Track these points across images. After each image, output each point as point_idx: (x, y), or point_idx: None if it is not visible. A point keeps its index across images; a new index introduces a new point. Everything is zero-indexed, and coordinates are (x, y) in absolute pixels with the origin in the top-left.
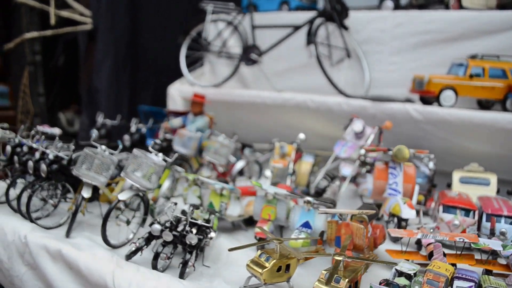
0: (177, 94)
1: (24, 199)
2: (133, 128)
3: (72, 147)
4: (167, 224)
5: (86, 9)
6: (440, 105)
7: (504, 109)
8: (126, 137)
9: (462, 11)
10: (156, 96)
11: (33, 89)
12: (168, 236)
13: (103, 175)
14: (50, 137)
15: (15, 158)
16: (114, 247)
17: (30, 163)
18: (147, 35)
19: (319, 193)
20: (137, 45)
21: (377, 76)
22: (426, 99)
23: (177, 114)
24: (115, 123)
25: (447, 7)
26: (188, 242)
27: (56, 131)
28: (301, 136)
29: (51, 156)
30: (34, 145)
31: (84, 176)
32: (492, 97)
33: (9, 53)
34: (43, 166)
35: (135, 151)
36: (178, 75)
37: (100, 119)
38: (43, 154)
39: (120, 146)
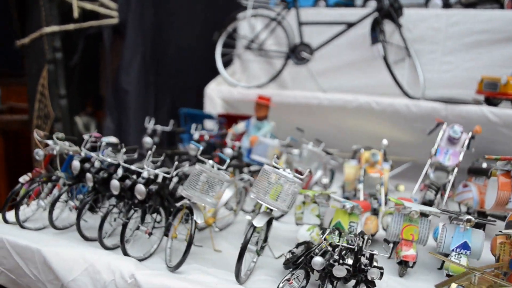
0: (216, 95)
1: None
2: (195, 136)
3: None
4: (331, 256)
5: (111, 1)
6: None
7: None
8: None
9: None
10: (184, 98)
11: (53, 90)
12: (340, 272)
13: (210, 195)
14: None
15: (89, 176)
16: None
17: (115, 183)
18: (175, 32)
19: (426, 205)
20: (165, 43)
21: (430, 77)
22: (491, 101)
23: (228, 117)
24: (167, 129)
25: (502, 6)
26: (370, 278)
27: (113, 140)
28: (385, 142)
29: (145, 174)
30: (109, 159)
31: (194, 198)
32: None
33: (23, 49)
34: (141, 188)
35: (266, 166)
36: (209, 76)
37: (150, 124)
38: (125, 170)
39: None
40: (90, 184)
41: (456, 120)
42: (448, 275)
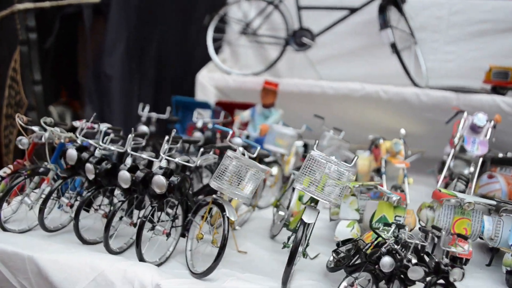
0: (208, 82)
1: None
2: (199, 124)
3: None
4: (398, 255)
5: None
6: None
7: None
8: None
9: None
10: (173, 85)
11: (27, 75)
12: (417, 273)
13: (239, 187)
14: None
15: (89, 167)
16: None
17: (125, 175)
18: (163, 14)
19: None
20: (151, 25)
21: (432, 66)
22: (498, 91)
23: (226, 106)
24: (163, 117)
25: None
26: (452, 279)
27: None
28: (403, 131)
29: (163, 164)
30: (113, 147)
31: (226, 191)
32: None
33: None
34: (161, 180)
35: (315, 154)
36: (199, 62)
37: (145, 111)
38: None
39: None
40: (90, 176)
41: (467, 109)
42: (509, 272)
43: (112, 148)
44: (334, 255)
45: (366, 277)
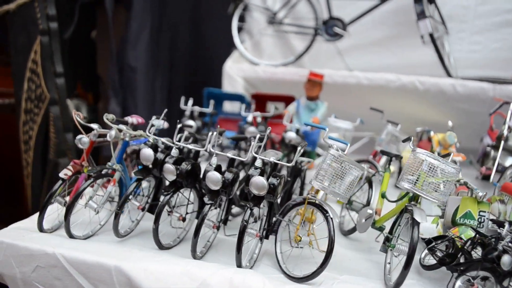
0: (236, 73)
1: None
2: (249, 118)
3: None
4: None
5: None
6: None
7: None
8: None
9: None
10: (200, 76)
11: (48, 67)
12: None
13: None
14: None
15: (170, 168)
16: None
17: (216, 176)
18: (185, 4)
19: None
20: (177, 14)
21: (458, 56)
22: None
23: (262, 98)
24: (207, 111)
25: None
26: None
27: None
28: (450, 123)
29: (258, 163)
30: (190, 146)
31: (328, 191)
32: None
33: (7, 18)
34: (262, 181)
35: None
36: (227, 52)
37: (188, 105)
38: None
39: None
40: (170, 177)
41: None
42: None
43: (190, 146)
44: (429, 252)
45: (480, 276)
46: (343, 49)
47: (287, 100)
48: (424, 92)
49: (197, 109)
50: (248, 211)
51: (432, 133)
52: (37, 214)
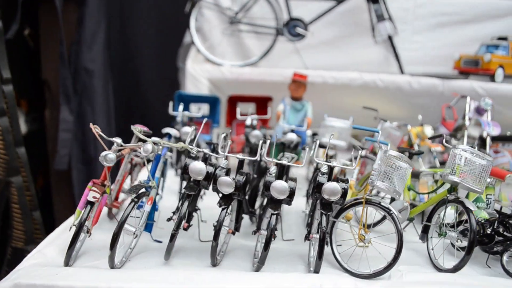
0: (201, 74)
1: None
2: (248, 121)
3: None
4: None
5: None
6: (493, 81)
7: None
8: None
9: None
10: (153, 79)
11: None
12: None
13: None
14: None
15: (228, 180)
16: None
17: (283, 185)
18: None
19: None
20: (129, 12)
21: (401, 54)
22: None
23: (240, 99)
24: (197, 115)
25: None
26: None
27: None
28: (420, 117)
29: (324, 169)
30: (242, 157)
31: (390, 191)
32: None
33: None
34: (337, 187)
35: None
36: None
37: (180, 111)
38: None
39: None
40: (227, 190)
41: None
42: None
43: (239, 157)
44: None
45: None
46: (295, 49)
47: (264, 101)
48: (384, 89)
49: (187, 113)
50: (274, 217)
51: (409, 127)
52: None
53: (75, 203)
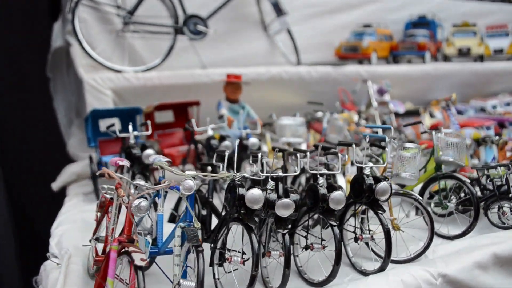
0: (102, 85)
1: None
2: (210, 131)
3: None
4: None
5: None
6: (370, 63)
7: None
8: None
9: None
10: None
11: None
12: None
13: None
14: None
15: (289, 202)
16: None
17: (341, 196)
18: None
19: None
20: None
21: (283, 45)
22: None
23: (167, 107)
24: (146, 133)
25: None
26: None
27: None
28: (337, 104)
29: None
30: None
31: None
32: (385, 55)
33: None
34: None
35: None
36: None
37: (130, 131)
38: None
39: None
40: (287, 213)
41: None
42: None
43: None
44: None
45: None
46: (185, 46)
47: (190, 106)
48: (289, 80)
49: (135, 134)
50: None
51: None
52: None
53: None
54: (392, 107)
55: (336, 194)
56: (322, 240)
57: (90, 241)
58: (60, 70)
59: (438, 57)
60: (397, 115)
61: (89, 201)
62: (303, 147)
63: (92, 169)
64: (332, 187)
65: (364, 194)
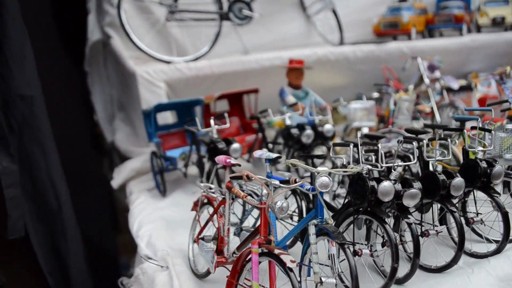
0: (156, 78)
1: None
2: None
3: None
4: None
5: None
6: (410, 39)
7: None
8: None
9: None
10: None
11: None
12: None
13: None
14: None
15: (417, 193)
16: None
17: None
18: None
19: None
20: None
21: (318, 25)
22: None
23: (230, 97)
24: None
25: None
26: None
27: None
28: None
29: None
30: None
31: None
32: (422, 30)
33: None
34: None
35: None
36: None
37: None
38: None
39: None
40: (414, 203)
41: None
42: None
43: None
44: None
45: None
46: (224, 32)
47: (248, 94)
48: (335, 61)
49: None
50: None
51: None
52: None
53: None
54: (445, 83)
55: (457, 180)
56: (435, 226)
57: (194, 241)
58: (97, 64)
59: (471, 28)
60: (448, 90)
61: (156, 198)
62: (365, 131)
63: (158, 165)
64: (449, 173)
65: (479, 178)
